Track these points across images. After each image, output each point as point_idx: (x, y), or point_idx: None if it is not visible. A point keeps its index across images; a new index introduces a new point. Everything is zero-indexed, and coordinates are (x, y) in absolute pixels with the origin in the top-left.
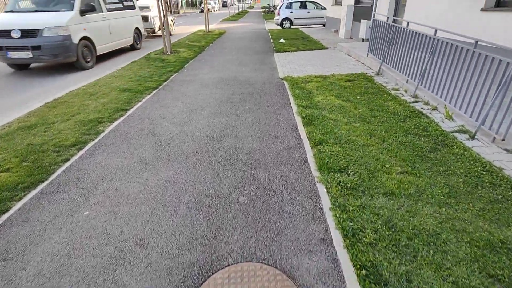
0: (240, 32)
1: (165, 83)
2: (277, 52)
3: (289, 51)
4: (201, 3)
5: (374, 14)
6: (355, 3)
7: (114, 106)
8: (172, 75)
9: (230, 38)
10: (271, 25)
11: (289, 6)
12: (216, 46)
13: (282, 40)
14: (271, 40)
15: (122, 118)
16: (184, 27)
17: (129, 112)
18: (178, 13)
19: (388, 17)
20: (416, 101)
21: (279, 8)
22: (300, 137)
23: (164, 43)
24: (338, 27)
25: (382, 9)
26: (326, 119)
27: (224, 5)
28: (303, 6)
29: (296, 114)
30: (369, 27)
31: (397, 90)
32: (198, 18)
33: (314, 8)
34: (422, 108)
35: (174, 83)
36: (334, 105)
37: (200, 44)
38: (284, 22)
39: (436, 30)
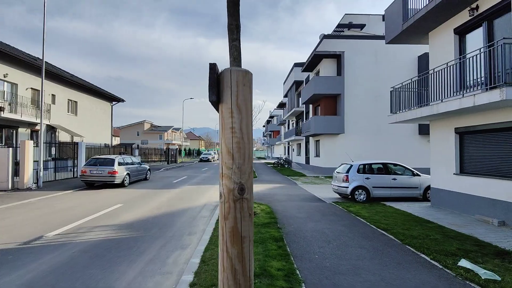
0: (291, 207)
1: None
2: None
3: None
4: (198, 153)
5: None
6: None
7: None
8: None
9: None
10: (317, 189)
11: (364, 170)
12: None
13: (468, 266)
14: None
15: None
16: (190, 189)
17: None
18: (176, 162)
19: None
20: None
21: (346, 172)
22: None
23: None
24: (491, 213)
25: None
26: None
27: None
28: (385, 170)
29: None
30: None
31: None
32: (203, 171)
33: (400, 173)
34: None
35: None
36: None
37: None
38: (357, 192)
39: None
